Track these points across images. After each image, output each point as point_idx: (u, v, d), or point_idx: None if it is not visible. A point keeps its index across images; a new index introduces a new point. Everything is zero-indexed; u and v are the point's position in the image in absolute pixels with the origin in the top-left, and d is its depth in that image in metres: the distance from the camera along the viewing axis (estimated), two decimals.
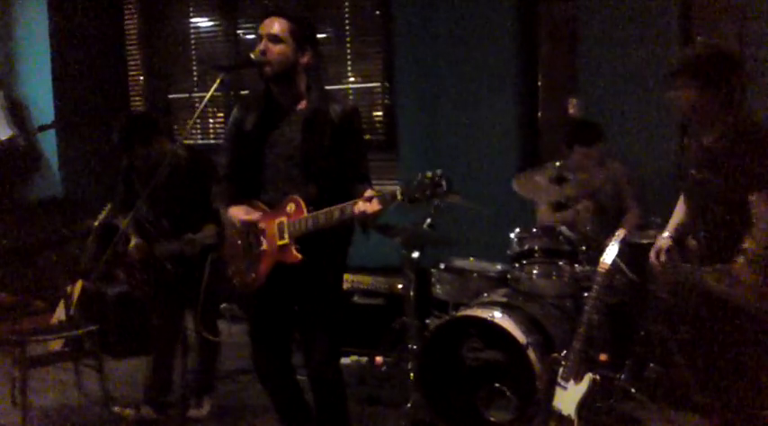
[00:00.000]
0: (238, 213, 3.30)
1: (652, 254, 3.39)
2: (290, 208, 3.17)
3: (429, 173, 2.82)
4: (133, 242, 4.33)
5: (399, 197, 2.86)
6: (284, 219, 3.18)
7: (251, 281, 3.30)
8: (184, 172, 4.24)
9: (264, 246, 3.24)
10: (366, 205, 2.95)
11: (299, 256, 3.13)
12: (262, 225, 3.26)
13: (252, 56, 3.21)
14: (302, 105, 3.28)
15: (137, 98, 7.74)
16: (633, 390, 4.15)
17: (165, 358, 4.40)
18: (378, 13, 6.46)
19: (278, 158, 3.29)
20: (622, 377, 4.18)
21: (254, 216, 3.27)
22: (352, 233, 3.37)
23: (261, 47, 3.20)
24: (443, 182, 2.79)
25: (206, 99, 3.26)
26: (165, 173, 4.05)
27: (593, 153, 4.65)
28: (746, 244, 2.92)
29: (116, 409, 4.42)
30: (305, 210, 3.13)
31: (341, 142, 3.23)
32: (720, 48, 3.22)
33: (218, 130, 7.53)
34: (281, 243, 3.17)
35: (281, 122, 3.29)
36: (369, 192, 3.00)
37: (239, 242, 3.33)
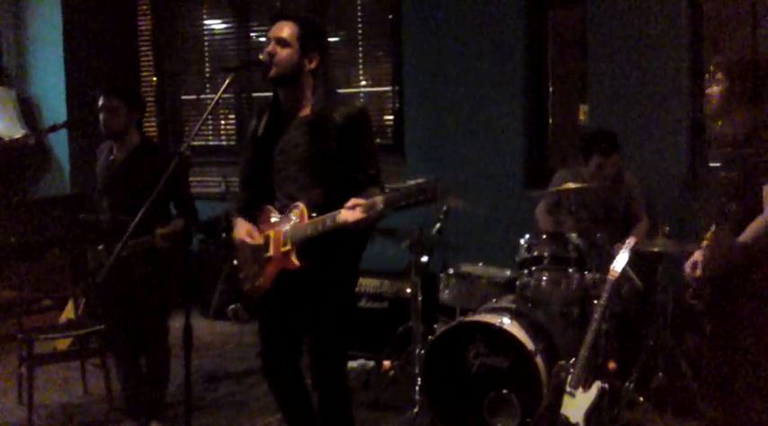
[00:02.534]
0: (240, 231, 3.34)
1: (688, 266, 3.33)
2: (295, 214, 3.18)
3: (414, 181, 2.79)
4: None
5: (380, 205, 2.85)
6: (288, 226, 3.19)
7: (258, 287, 3.31)
8: (144, 164, 4.06)
9: (271, 252, 3.25)
10: (348, 213, 2.95)
11: (297, 263, 3.13)
12: (269, 231, 3.27)
13: (260, 57, 3.22)
14: (307, 109, 3.28)
15: (149, 99, 7.76)
16: (640, 399, 4.13)
17: (131, 365, 4.23)
18: (389, 17, 6.47)
19: (286, 163, 3.29)
20: (629, 385, 4.16)
21: (252, 239, 3.29)
22: (365, 239, 3.36)
23: (268, 49, 3.21)
24: (435, 190, 2.76)
25: (214, 100, 3.25)
26: (129, 165, 4.07)
27: (610, 162, 4.63)
28: None
29: None
30: (306, 217, 3.14)
31: (347, 145, 3.21)
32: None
33: (230, 132, 7.56)
34: (284, 249, 3.18)
35: (288, 127, 3.30)
36: (352, 201, 2.97)
37: (249, 248, 3.34)
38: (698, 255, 3.25)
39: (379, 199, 2.87)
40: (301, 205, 3.17)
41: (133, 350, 4.22)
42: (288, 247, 3.16)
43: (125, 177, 4.09)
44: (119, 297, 4.13)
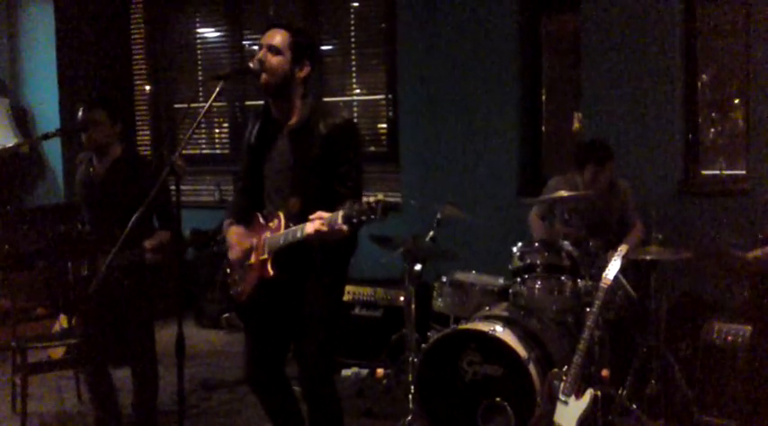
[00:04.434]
0: (231, 239, 3.36)
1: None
2: (274, 223, 3.20)
3: (366, 200, 2.80)
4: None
5: (340, 220, 2.85)
6: (268, 234, 3.21)
7: (240, 293, 3.34)
8: (137, 178, 3.99)
9: (252, 260, 3.27)
10: (309, 226, 2.97)
11: (271, 272, 3.15)
12: (254, 239, 3.29)
13: (250, 64, 3.23)
14: (295, 118, 3.29)
15: (142, 107, 7.77)
16: (633, 406, 4.13)
17: (102, 379, 4.16)
18: (383, 25, 6.48)
19: (272, 172, 3.32)
20: (623, 393, 4.17)
21: (240, 244, 3.31)
22: (350, 248, 3.36)
23: (259, 56, 3.22)
24: (378, 209, 2.77)
25: (206, 108, 3.21)
26: (111, 178, 4.02)
27: (605, 171, 4.66)
28: None
29: None
30: (283, 226, 3.15)
31: (330, 156, 3.21)
32: None
33: (224, 140, 7.56)
34: (262, 258, 3.20)
35: (277, 135, 3.32)
36: (316, 214, 2.97)
37: (239, 255, 3.36)
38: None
39: (339, 214, 2.86)
40: (280, 214, 3.18)
41: (105, 364, 4.16)
42: (265, 256, 3.19)
43: (107, 190, 4.04)
44: (103, 309, 4.06)
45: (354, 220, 2.81)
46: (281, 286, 3.24)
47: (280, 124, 3.32)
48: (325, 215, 2.95)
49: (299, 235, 3.04)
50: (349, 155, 3.23)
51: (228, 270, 3.44)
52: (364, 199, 2.84)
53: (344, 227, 2.89)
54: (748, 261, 3.21)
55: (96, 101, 4.13)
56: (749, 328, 3.86)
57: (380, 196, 2.83)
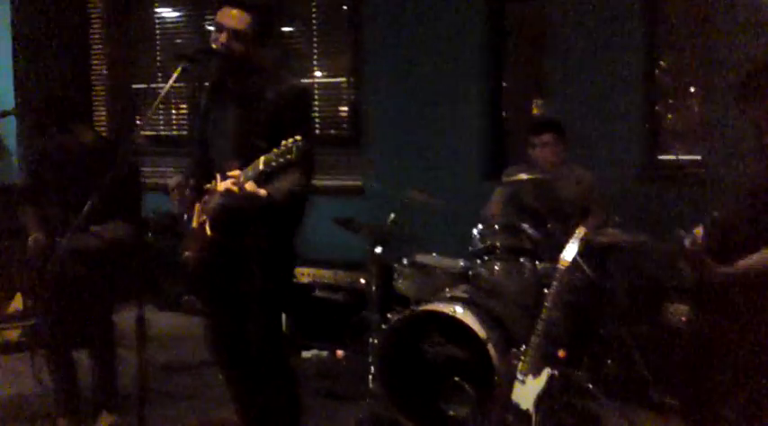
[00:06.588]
0: (172, 190, 3.37)
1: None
2: (212, 184, 3.19)
3: (283, 142, 2.79)
4: (33, 236, 4.03)
5: (261, 166, 2.84)
6: (206, 197, 3.22)
7: (187, 259, 3.33)
8: (98, 162, 3.88)
9: (194, 224, 3.28)
10: (222, 184, 2.98)
11: (209, 233, 3.15)
12: (197, 204, 3.29)
13: (214, 46, 3.20)
14: (248, 85, 3.28)
15: (100, 88, 7.66)
16: (591, 386, 4.20)
17: (65, 361, 4.14)
18: (345, 8, 6.46)
19: (217, 138, 3.33)
20: (580, 373, 4.23)
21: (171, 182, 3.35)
22: (295, 216, 3.32)
23: (222, 39, 3.19)
24: (293, 147, 2.75)
25: (167, 88, 3.13)
26: (80, 163, 3.96)
27: (546, 144, 4.73)
28: None
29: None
30: (218, 188, 3.12)
31: (278, 120, 3.16)
32: None
33: (182, 122, 7.49)
34: (201, 220, 3.22)
35: (228, 102, 3.31)
36: (232, 172, 2.96)
37: (184, 219, 3.38)
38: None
39: (260, 160, 2.85)
40: (218, 176, 3.16)
41: (67, 346, 4.13)
42: (203, 218, 3.20)
43: (77, 174, 3.98)
44: (61, 291, 4.01)
45: (274, 163, 2.79)
46: (226, 257, 3.23)
47: (233, 92, 3.31)
48: (237, 172, 2.94)
49: (217, 198, 3.06)
50: (296, 121, 3.17)
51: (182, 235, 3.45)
52: (282, 142, 2.81)
53: (260, 191, 2.89)
54: (689, 247, 3.30)
55: None
56: None
57: (298, 137, 2.79)
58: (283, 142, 2.78)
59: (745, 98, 3.02)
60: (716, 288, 3.12)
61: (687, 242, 3.22)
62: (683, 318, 4.21)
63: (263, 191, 2.92)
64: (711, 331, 3.21)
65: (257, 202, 2.95)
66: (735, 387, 3.09)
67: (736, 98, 3.07)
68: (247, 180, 2.91)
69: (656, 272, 4.91)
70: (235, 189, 2.93)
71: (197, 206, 3.29)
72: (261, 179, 2.91)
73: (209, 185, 3.23)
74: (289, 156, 2.77)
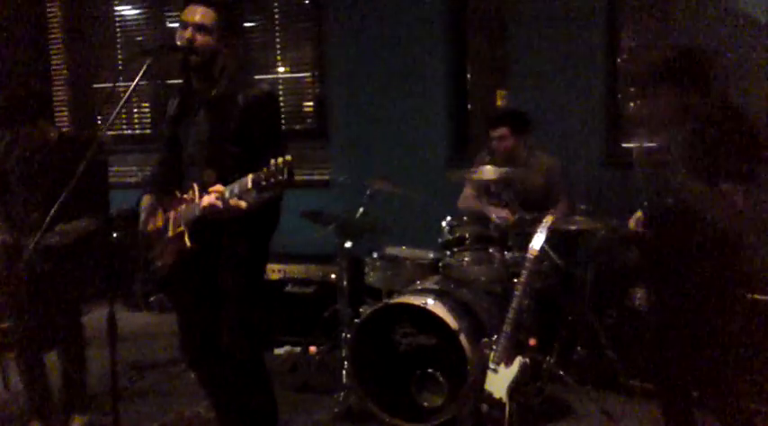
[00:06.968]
0: (144, 210, 3.39)
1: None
2: (190, 194, 3.18)
3: (273, 162, 2.77)
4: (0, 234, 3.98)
5: (249, 185, 2.81)
6: (183, 206, 3.20)
7: (161, 267, 3.31)
8: (62, 159, 3.83)
9: (170, 233, 3.25)
10: (204, 199, 2.99)
11: (189, 244, 3.13)
12: (170, 212, 3.27)
13: (178, 43, 3.19)
14: (215, 91, 3.27)
15: (60, 88, 7.56)
16: (561, 373, 4.25)
17: (35, 362, 4.08)
18: (307, 2, 6.44)
19: (190, 143, 3.31)
20: (551, 360, 4.29)
21: (154, 218, 3.34)
22: (272, 221, 3.34)
23: (187, 35, 3.17)
24: (285, 169, 2.74)
25: (132, 87, 3.05)
26: (44, 160, 3.90)
27: (499, 135, 4.79)
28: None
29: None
30: (198, 198, 3.12)
31: (247, 127, 3.19)
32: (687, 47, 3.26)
33: (144, 121, 7.42)
34: (178, 230, 3.19)
35: (197, 107, 3.31)
36: (215, 187, 2.98)
37: (156, 228, 3.34)
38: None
39: (248, 179, 2.83)
40: (195, 185, 3.16)
41: (38, 348, 4.08)
42: (181, 228, 3.17)
43: (41, 171, 3.92)
44: (26, 291, 3.95)
45: (263, 182, 2.78)
46: (201, 259, 3.23)
47: (200, 96, 3.30)
48: (221, 188, 2.95)
49: (196, 211, 3.06)
50: (266, 126, 3.22)
51: (148, 247, 3.41)
52: (272, 161, 2.79)
53: (241, 204, 2.90)
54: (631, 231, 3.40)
55: None
56: None
57: (288, 157, 2.77)
58: (272, 161, 2.76)
59: (661, 84, 3.11)
60: (662, 268, 3.22)
61: (631, 223, 3.34)
62: (644, 301, 4.28)
63: (243, 204, 2.92)
64: (664, 310, 3.30)
65: (238, 213, 2.96)
66: (693, 362, 3.17)
67: (652, 84, 3.15)
68: (233, 197, 2.91)
69: (621, 257, 4.98)
70: (219, 204, 2.94)
71: (171, 214, 3.26)
72: (249, 198, 2.90)
73: (186, 195, 3.20)
74: (280, 177, 2.75)
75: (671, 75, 3.08)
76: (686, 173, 2.96)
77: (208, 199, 2.97)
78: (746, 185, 2.90)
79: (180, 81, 3.45)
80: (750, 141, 2.95)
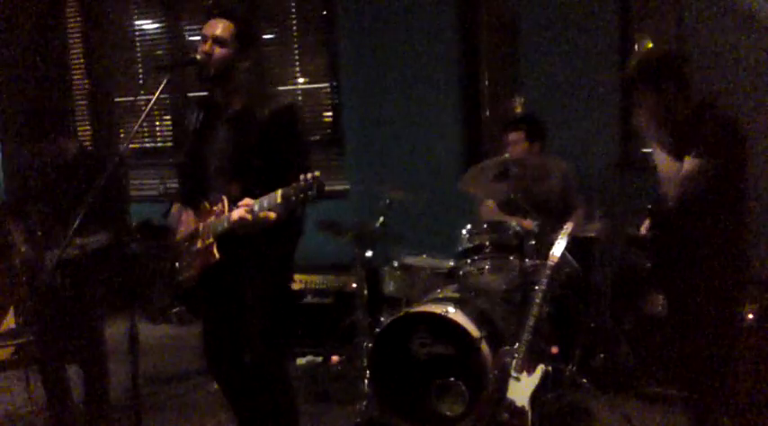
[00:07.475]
0: (177, 223, 3.40)
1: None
2: (218, 207, 3.22)
3: (302, 177, 2.83)
4: (20, 250, 4.03)
5: (279, 200, 2.88)
6: (212, 219, 3.22)
7: (188, 278, 3.34)
8: (82, 174, 3.88)
9: (199, 245, 3.28)
10: (234, 212, 3.04)
11: (217, 256, 3.18)
12: (199, 225, 3.30)
13: (197, 56, 3.22)
14: (237, 105, 3.31)
15: (81, 102, 7.63)
16: (583, 380, 4.23)
17: (58, 376, 4.10)
18: (323, 13, 6.48)
19: (213, 158, 3.33)
20: (572, 367, 4.26)
21: (184, 226, 3.37)
22: (296, 233, 3.37)
23: (205, 48, 3.20)
24: (314, 185, 2.81)
25: (152, 101, 3.14)
26: (64, 175, 3.93)
27: (514, 140, 4.81)
28: None
29: None
30: (227, 211, 3.16)
31: (269, 141, 3.21)
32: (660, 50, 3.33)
33: (166, 134, 7.48)
34: (207, 242, 3.22)
35: (219, 121, 3.33)
36: (245, 201, 3.03)
37: (184, 239, 3.36)
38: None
39: (278, 194, 2.89)
40: (224, 198, 3.20)
41: (60, 361, 4.11)
42: (210, 240, 3.21)
43: (61, 186, 3.96)
44: (50, 305, 3.99)
45: (293, 198, 2.83)
46: (227, 271, 3.25)
47: (221, 110, 3.33)
48: (251, 201, 2.99)
49: (225, 224, 3.10)
50: (289, 139, 3.25)
51: (175, 258, 3.44)
52: (301, 176, 2.84)
53: (271, 215, 2.96)
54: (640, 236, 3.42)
55: None
56: None
57: (317, 173, 2.83)
58: (301, 177, 2.82)
59: (641, 88, 3.18)
60: (670, 271, 3.24)
61: (643, 229, 3.36)
62: (662, 307, 4.26)
63: (273, 214, 2.99)
64: (677, 312, 3.30)
65: (267, 225, 3.01)
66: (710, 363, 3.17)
67: (633, 88, 3.22)
68: (262, 210, 2.97)
69: (638, 263, 4.96)
70: (249, 217, 2.99)
71: (201, 226, 3.29)
72: (278, 211, 2.97)
73: (215, 207, 3.24)
74: (309, 192, 2.82)
75: (646, 78, 3.13)
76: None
77: (238, 213, 3.02)
78: (711, 159, 2.98)
79: (201, 94, 3.48)
80: (718, 122, 3.03)
